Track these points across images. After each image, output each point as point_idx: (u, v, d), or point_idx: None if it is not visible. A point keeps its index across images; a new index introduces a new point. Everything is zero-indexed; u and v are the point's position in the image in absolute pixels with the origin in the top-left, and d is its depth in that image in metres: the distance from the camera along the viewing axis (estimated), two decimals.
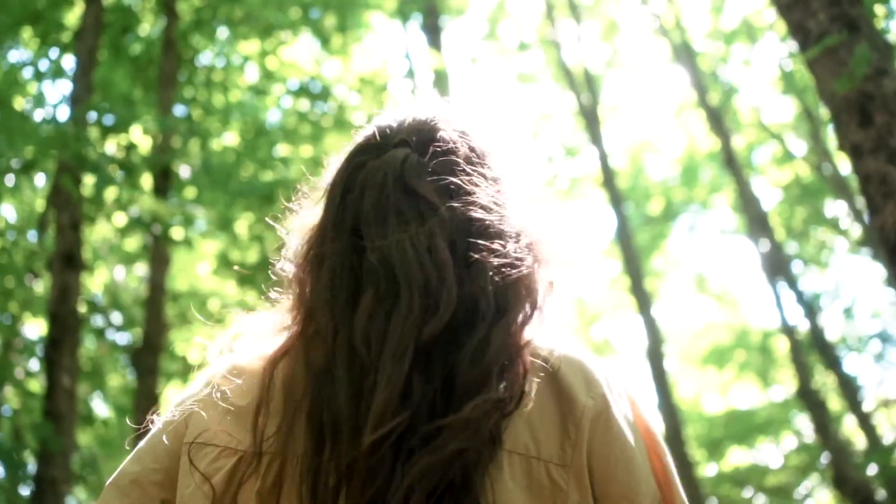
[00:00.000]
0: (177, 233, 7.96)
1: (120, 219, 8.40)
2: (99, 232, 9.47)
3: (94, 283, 9.57)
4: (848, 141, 4.06)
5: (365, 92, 10.03)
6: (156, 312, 7.82)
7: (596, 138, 14.85)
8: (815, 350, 12.64)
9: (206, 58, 10.42)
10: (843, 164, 15.68)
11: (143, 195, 7.68)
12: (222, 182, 8.00)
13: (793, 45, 14.52)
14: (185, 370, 9.49)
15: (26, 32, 10.39)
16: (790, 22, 4.52)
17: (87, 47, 8.38)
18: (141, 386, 7.65)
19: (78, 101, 7.59)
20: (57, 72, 10.13)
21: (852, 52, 4.11)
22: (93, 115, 7.88)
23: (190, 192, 8.13)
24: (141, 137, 8.84)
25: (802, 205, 15.36)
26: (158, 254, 8.08)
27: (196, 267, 10.43)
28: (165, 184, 7.88)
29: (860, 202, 15.24)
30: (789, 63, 14.83)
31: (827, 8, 4.31)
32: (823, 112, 15.49)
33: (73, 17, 10.41)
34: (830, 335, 13.65)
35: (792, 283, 13.33)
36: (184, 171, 8.37)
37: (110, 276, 10.06)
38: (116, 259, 10.00)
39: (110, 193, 7.45)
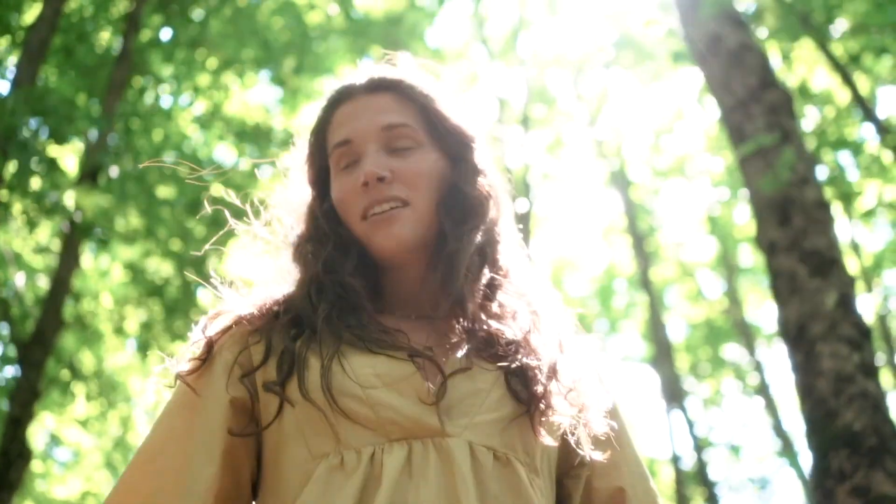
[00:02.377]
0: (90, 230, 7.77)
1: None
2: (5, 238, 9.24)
3: None
4: (766, 238, 4.23)
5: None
6: (54, 308, 7.56)
7: (524, 243, 15.07)
8: (698, 484, 12.79)
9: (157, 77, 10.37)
10: (750, 313, 16.28)
11: (66, 182, 7.51)
12: (148, 189, 7.91)
13: (721, 191, 15.22)
14: (72, 379, 9.15)
15: None
16: (730, 124, 4.76)
17: (38, 37, 8.33)
18: (23, 381, 7.32)
19: (19, 84, 7.48)
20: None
21: (780, 157, 4.32)
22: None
23: (115, 194, 7.97)
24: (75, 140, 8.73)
25: (707, 344, 15.78)
26: (69, 250, 7.87)
27: (103, 272, 10.15)
28: (93, 182, 7.73)
29: (760, 352, 15.76)
30: (717, 207, 15.47)
31: (765, 115, 4.56)
32: (741, 260, 16.14)
33: (29, 17, 10.37)
34: (714, 472, 13.87)
35: (686, 415, 13.58)
36: (113, 171, 8.23)
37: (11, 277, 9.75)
38: (20, 265, 9.69)
39: (34, 182, 7.27)
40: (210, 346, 1.33)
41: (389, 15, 10.67)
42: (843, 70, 7.24)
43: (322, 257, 1.39)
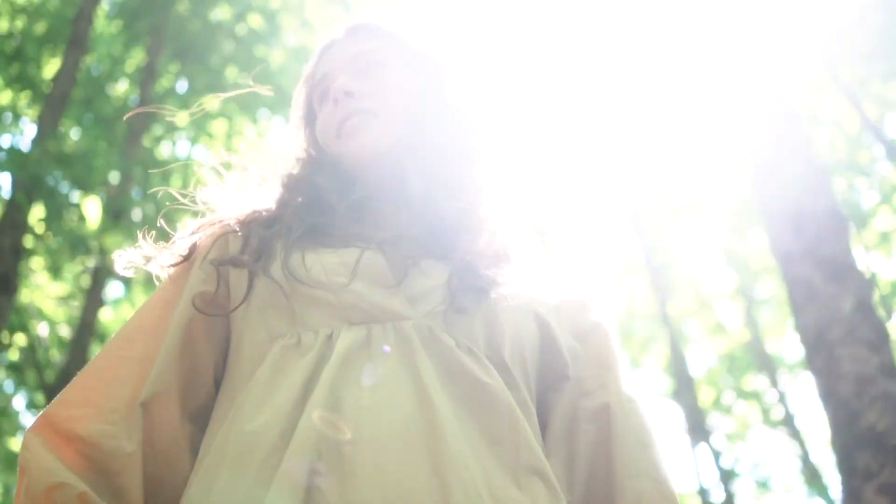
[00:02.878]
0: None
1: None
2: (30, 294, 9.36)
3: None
4: (780, 248, 4.28)
5: None
6: (80, 350, 7.66)
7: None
8: None
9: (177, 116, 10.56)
10: (771, 344, 16.18)
11: (88, 223, 7.66)
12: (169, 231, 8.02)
13: (739, 222, 15.23)
14: None
15: None
16: (740, 141, 4.82)
17: (60, 90, 8.54)
18: None
19: (43, 132, 7.65)
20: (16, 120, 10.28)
21: (792, 170, 4.38)
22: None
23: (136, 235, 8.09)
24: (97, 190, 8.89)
25: (730, 376, 15.68)
26: (94, 292, 7.99)
27: (124, 320, 10.24)
28: (116, 223, 7.87)
29: (784, 383, 15.64)
30: (733, 238, 15.47)
31: (774, 129, 4.62)
32: (759, 291, 16.09)
33: (48, 70, 10.63)
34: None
35: (711, 448, 13.46)
36: (135, 215, 8.38)
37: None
38: (43, 303, 9.80)
39: (63, 223, 7.44)
40: (193, 245, 1.38)
41: None
42: (852, 95, 7.31)
43: (300, 171, 1.47)
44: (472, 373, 1.17)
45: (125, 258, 1.41)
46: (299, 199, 1.41)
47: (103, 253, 7.56)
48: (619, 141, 15.30)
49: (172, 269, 1.38)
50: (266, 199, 1.47)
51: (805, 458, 13.84)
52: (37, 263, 9.39)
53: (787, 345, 16.13)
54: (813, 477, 13.70)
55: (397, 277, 1.23)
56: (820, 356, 3.84)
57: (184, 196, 1.54)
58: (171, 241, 1.40)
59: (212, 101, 1.63)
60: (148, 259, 1.40)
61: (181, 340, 1.29)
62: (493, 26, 10.68)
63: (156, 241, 1.40)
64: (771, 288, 15.55)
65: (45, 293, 10.20)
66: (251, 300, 1.27)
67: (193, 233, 1.41)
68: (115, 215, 7.92)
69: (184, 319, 1.30)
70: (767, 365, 15.10)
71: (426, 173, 1.38)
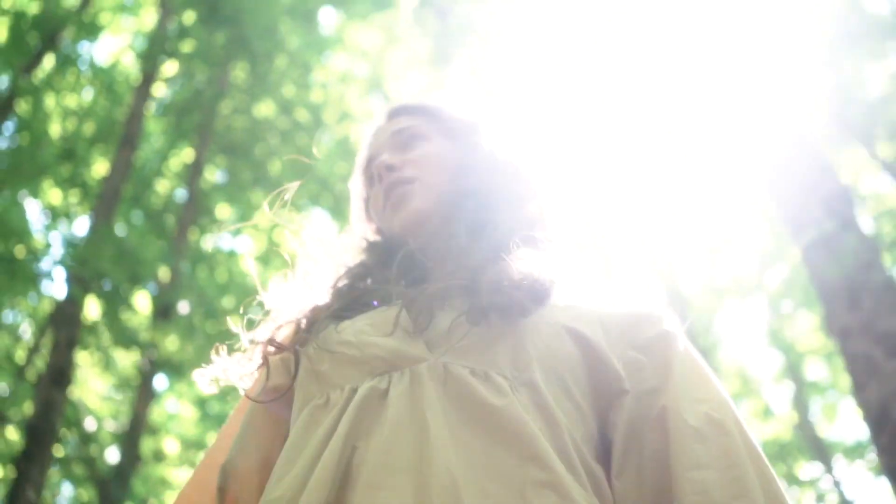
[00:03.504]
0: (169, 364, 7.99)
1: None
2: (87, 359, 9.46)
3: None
4: (837, 324, 4.23)
5: None
6: (132, 446, 7.69)
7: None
8: None
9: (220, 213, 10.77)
10: (823, 428, 15.79)
11: (139, 317, 7.77)
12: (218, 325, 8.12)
13: (783, 305, 15.07)
14: None
15: (45, 182, 10.89)
16: (787, 215, 4.82)
17: (111, 187, 8.78)
18: None
19: (96, 228, 7.84)
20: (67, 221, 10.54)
21: (843, 244, 4.36)
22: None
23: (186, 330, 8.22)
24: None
25: (780, 461, 15.28)
26: (145, 386, 8.05)
27: (178, 405, 10.28)
28: (165, 317, 7.99)
29: (838, 467, 15.20)
30: (776, 320, 15.27)
31: (821, 204, 4.62)
32: (806, 372, 15.80)
33: (98, 168, 10.94)
34: None
35: None
36: (183, 308, 8.49)
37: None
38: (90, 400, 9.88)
39: (116, 320, 7.57)
40: (263, 352, 1.43)
41: None
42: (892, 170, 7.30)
43: (358, 258, 1.57)
44: (479, 398, 1.17)
45: (205, 375, 1.47)
46: (350, 279, 1.51)
47: (153, 346, 7.66)
48: (663, 222, 15.32)
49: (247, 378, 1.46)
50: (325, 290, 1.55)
51: None
52: (84, 359, 9.50)
53: (841, 428, 15.76)
54: None
55: (420, 325, 1.26)
56: (885, 433, 3.75)
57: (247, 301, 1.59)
58: (242, 350, 1.47)
59: (266, 216, 1.74)
60: (225, 371, 1.47)
61: (248, 428, 1.39)
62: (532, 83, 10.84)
63: (214, 339, 1.53)
64: (820, 370, 15.25)
65: (90, 388, 10.29)
66: (299, 377, 1.34)
67: (261, 341, 1.47)
68: (165, 309, 8.04)
69: (248, 412, 1.42)
70: (820, 449, 14.70)
71: (466, 222, 1.44)
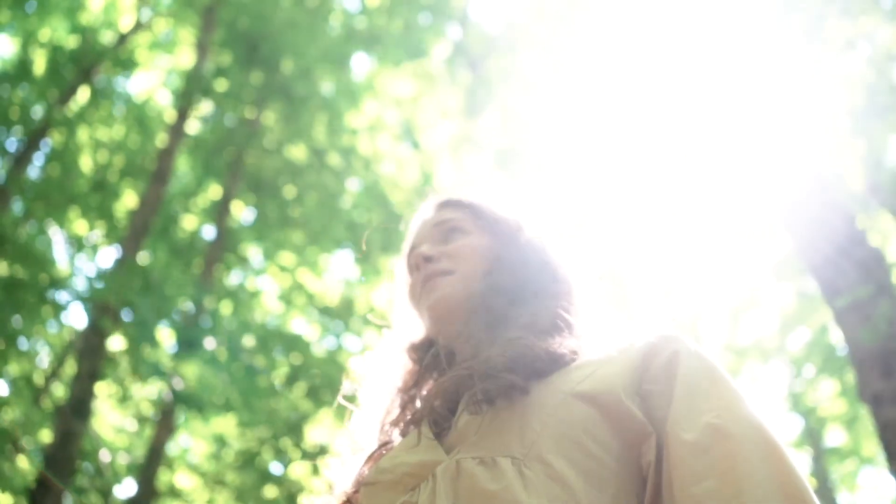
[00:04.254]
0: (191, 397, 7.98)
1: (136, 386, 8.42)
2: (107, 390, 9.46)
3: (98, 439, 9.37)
4: (870, 390, 4.17)
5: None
6: (149, 478, 7.66)
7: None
8: None
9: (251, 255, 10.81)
10: (844, 496, 15.52)
11: (161, 351, 7.78)
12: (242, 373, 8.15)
13: (805, 370, 14.92)
14: None
15: (73, 212, 11.00)
16: (821, 278, 4.79)
17: (141, 219, 8.85)
18: None
19: (124, 260, 7.89)
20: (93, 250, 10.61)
21: (877, 309, 4.31)
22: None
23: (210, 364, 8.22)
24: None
25: None
26: (165, 419, 8.03)
27: (199, 439, 10.22)
28: (188, 351, 7.99)
29: None
30: (797, 384, 15.10)
31: (857, 269, 4.59)
32: (826, 438, 15.57)
33: (127, 200, 11.04)
34: None
35: None
36: (209, 343, 8.49)
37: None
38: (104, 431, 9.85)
39: (138, 352, 7.59)
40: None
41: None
42: None
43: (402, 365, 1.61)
44: (479, 487, 1.19)
45: None
46: (396, 401, 1.56)
47: (176, 378, 7.64)
48: (689, 279, 15.26)
49: None
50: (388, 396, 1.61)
51: None
52: (102, 389, 9.51)
53: (862, 496, 15.48)
54: None
55: (439, 430, 1.33)
56: None
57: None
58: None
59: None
60: None
61: None
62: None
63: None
64: (841, 436, 15.03)
65: (107, 420, 10.27)
66: None
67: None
68: (188, 343, 8.05)
69: None
70: None
71: (490, 316, 1.47)
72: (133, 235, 8.58)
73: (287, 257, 10.97)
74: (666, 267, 15.41)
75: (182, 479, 9.50)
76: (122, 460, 10.10)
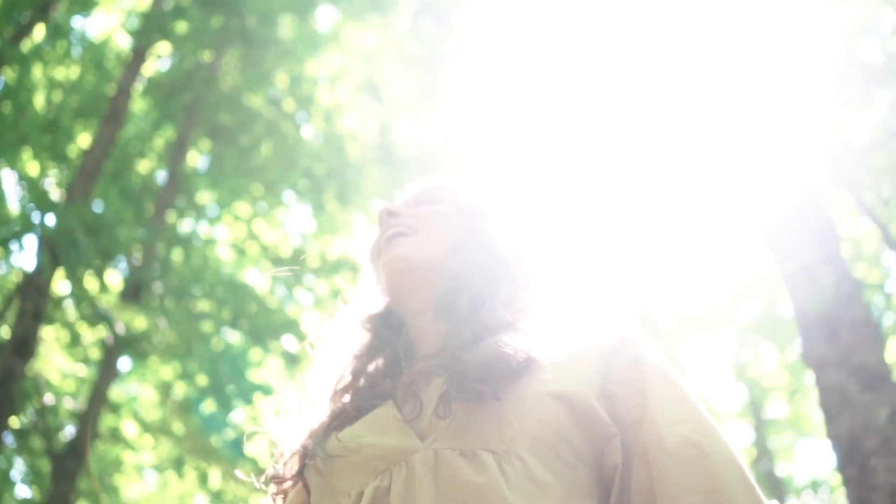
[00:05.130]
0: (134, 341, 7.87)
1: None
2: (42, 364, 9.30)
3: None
4: (814, 354, 4.23)
5: (343, 273, 10.25)
6: (90, 419, 7.56)
7: None
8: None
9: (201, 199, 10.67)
10: (781, 466, 15.88)
11: (109, 294, 7.65)
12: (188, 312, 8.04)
13: (752, 340, 15.17)
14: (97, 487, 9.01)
15: (25, 153, 10.75)
16: (774, 245, 4.83)
17: (93, 159, 8.68)
18: (55, 492, 7.25)
19: (73, 201, 7.73)
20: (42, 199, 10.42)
21: (826, 275, 4.36)
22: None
23: (155, 310, 8.11)
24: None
25: None
26: (108, 363, 7.92)
27: (142, 383, 10.11)
28: (135, 297, 7.88)
29: None
30: (743, 354, 15.36)
31: (809, 234, 4.64)
32: (767, 411, 15.89)
33: (81, 142, 10.81)
34: None
35: None
36: (156, 288, 8.37)
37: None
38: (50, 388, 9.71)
39: (85, 295, 7.44)
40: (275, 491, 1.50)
41: (426, 153, 11.03)
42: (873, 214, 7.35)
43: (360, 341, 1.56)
44: (464, 479, 1.19)
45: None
46: (349, 381, 1.52)
47: (120, 324, 7.53)
48: (639, 247, 15.38)
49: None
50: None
51: None
52: (48, 333, 9.37)
53: (797, 466, 15.85)
54: None
55: (409, 416, 1.29)
56: (853, 466, 3.75)
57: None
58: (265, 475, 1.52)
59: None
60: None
61: None
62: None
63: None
64: (781, 408, 15.34)
65: (53, 363, 10.13)
66: (313, 495, 1.37)
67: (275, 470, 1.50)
68: (135, 289, 7.94)
69: None
70: (776, 486, 14.78)
71: (455, 299, 1.43)
72: (84, 177, 8.40)
73: (242, 207, 10.84)
74: (622, 232, 15.51)
75: (126, 425, 9.40)
76: (68, 405, 9.99)
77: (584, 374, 1.31)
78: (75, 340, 8.42)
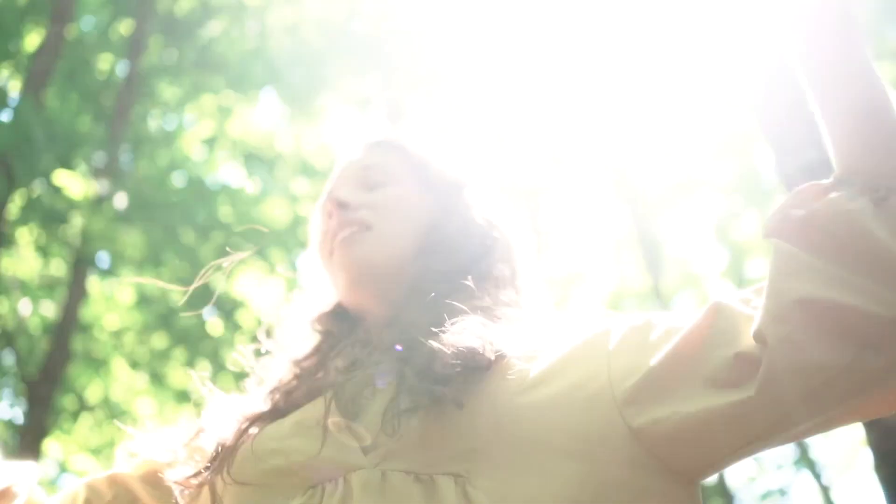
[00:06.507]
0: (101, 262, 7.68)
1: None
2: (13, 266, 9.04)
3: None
4: None
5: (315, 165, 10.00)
6: (62, 342, 7.39)
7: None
8: (719, 496, 12.64)
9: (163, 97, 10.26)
10: None
11: (73, 208, 7.37)
12: (157, 221, 7.77)
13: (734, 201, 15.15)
14: (79, 408, 9.02)
15: None
16: (772, 138, 4.60)
17: (42, 63, 8.21)
18: (30, 417, 7.15)
19: (25, 105, 7.33)
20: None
21: (826, 175, 4.16)
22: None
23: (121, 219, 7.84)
24: (81, 167, 8.58)
25: None
26: (76, 280, 7.70)
27: (113, 303, 9.94)
28: (98, 208, 7.57)
29: None
30: (728, 217, 15.37)
31: (808, 132, 4.41)
32: (749, 271, 16.02)
33: (30, 42, 10.25)
34: (734, 483, 13.69)
35: None
36: (120, 199, 8.07)
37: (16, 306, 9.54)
38: (25, 292, 9.50)
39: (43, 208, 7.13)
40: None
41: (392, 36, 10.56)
42: None
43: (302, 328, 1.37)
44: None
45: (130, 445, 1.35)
46: (292, 371, 1.30)
47: (87, 238, 7.25)
48: (617, 114, 15.14)
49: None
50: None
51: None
52: (25, 238, 9.06)
53: None
54: (802, 454, 13.68)
55: (350, 417, 1.08)
56: None
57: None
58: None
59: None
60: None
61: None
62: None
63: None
64: (761, 269, 15.44)
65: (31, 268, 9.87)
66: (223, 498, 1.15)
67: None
68: (99, 198, 7.63)
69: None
70: None
71: (418, 290, 1.23)
72: (34, 78, 7.95)
73: (207, 101, 10.42)
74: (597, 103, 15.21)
75: (97, 341, 9.25)
76: (48, 312, 9.82)
77: (563, 369, 1.07)
78: (45, 258, 8.14)
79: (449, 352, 1.05)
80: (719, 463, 1.03)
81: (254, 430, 1.15)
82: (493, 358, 1.06)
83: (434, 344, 1.07)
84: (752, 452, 1.02)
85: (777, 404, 0.94)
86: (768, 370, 0.93)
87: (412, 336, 1.12)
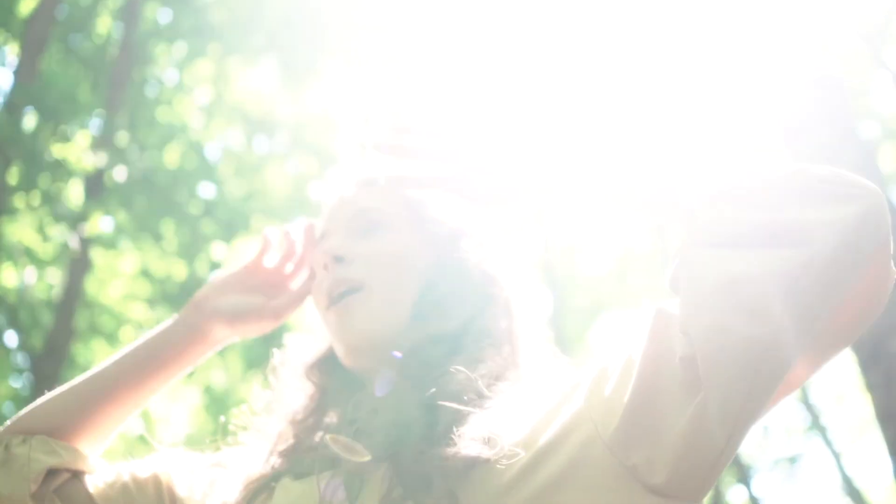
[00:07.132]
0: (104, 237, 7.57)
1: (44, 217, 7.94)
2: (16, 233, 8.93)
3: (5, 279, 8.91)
4: None
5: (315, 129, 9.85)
6: (66, 318, 7.33)
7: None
8: (731, 465, 12.62)
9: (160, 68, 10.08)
10: None
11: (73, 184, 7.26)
12: (158, 192, 7.66)
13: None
14: None
15: None
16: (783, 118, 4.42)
17: (37, 30, 8.03)
18: (36, 394, 7.08)
19: (20, 78, 7.18)
20: None
21: (844, 155, 4.03)
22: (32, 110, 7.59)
23: (121, 198, 7.72)
24: (80, 136, 8.44)
25: None
26: (79, 258, 7.62)
27: (116, 276, 9.85)
28: (98, 185, 7.46)
29: None
30: None
31: (818, 108, 4.23)
32: None
33: (24, 8, 10.03)
34: (745, 452, 13.65)
35: None
36: (119, 173, 7.93)
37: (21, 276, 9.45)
38: (30, 260, 9.41)
39: (42, 182, 7.01)
40: None
41: None
42: None
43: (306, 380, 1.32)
44: None
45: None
46: (290, 429, 1.27)
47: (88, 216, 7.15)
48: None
49: None
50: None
51: (805, 401, 13.64)
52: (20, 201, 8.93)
53: None
54: (814, 421, 13.61)
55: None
56: (878, 370, 3.49)
57: None
58: None
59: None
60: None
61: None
62: None
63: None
64: None
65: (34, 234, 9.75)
66: None
67: None
68: (99, 172, 7.51)
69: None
70: None
71: (418, 367, 1.17)
72: (29, 48, 7.77)
73: (205, 67, 10.23)
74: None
75: (102, 318, 9.16)
76: (53, 280, 9.71)
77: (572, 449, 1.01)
78: (45, 237, 8.02)
79: (448, 455, 1.01)
80: (717, 466, 0.95)
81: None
82: (489, 457, 1.00)
83: (423, 441, 1.04)
84: (735, 444, 0.92)
85: (726, 390, 0.87)
86: (702, 359, 0.88)
87: (409, 417, 1.08)
